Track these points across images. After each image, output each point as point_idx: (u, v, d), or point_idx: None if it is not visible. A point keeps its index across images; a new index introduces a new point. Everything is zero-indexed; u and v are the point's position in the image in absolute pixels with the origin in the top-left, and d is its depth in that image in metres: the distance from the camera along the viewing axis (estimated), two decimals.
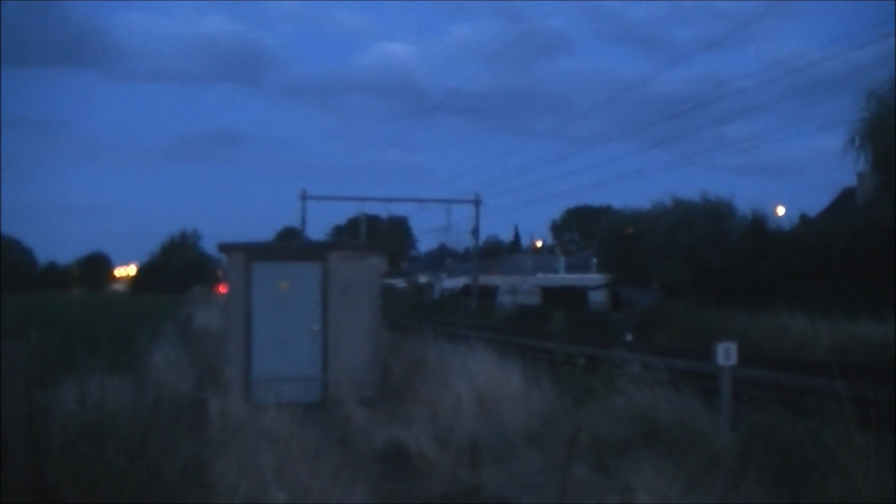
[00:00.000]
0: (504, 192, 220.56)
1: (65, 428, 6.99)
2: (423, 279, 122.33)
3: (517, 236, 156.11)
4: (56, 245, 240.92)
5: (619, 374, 12.63)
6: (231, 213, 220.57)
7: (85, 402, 7.46)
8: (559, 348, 14.74)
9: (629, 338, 32.22)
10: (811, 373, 19.92)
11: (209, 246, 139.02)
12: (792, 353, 28.28)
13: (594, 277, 76.47)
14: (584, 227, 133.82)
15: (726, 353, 12.20)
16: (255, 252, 17.83)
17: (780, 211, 56.71)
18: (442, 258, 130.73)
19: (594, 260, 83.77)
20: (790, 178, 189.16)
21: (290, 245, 26.06)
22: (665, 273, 49.98)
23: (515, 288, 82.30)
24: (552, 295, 72.02)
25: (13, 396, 6.59)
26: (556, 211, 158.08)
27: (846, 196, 56.55)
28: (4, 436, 6.46)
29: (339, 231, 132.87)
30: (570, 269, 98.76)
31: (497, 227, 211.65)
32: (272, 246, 24.39)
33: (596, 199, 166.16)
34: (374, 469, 10.39)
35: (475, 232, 77.98)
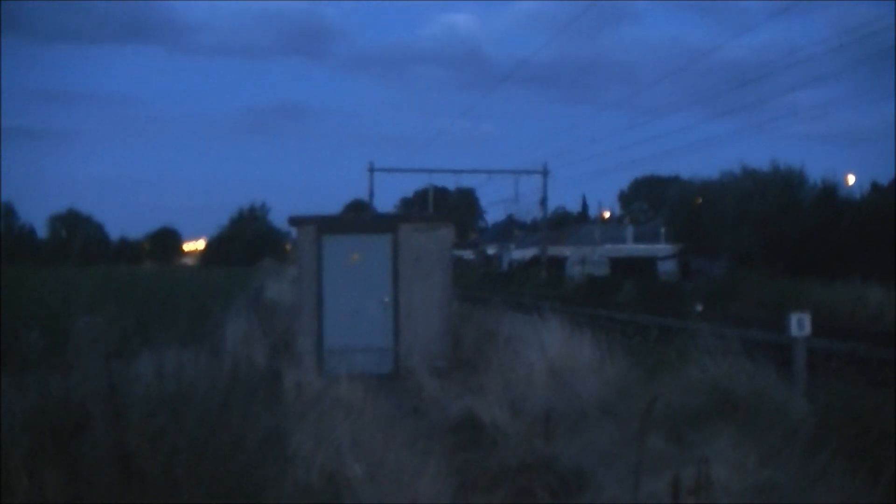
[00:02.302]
0: (572, 163, 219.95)
1: (144, 399, 7.09)
2: (491, 250, 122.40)
3: (585, 206, 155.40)
4: (126, 219, 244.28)
5: (692, 345, 12.52)
6: (298, 186, 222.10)
7: (163, 373, 7.56)
8: (633, 319, 14.67)
9: (699, 308, 31.97)
10: (888, 344, 19.64)
11: (277, 219, 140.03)
12: (867, 323, 27.87)
13: (663, 248, 76.17)
14: (652, 197, 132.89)
15: (800, 324, 12.09)
16: (326, 225, 17.94)
17: (851, 179, 55.91)
18: (510, 229, 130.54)
19: (662, 230, 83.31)
20: (861, 146, 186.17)
21: (361, 217, 26.22)
22: (737, 243, 49.48)
23: (584, 258, 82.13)
24: (621, 265, 71.82)
25: (94, 368, 6.69)
26: (624, 181, 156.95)
27: None
28: (86, 407, 6.57)
29: (407, 203, 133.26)
30: (638, 239, 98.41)
31: (565, 198, 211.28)
32: (343, 218, 24.51)
33: (664, 169, 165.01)
34: (449, 439, 10.39)
35: (543, 202, 77.78)
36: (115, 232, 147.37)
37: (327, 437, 8.51)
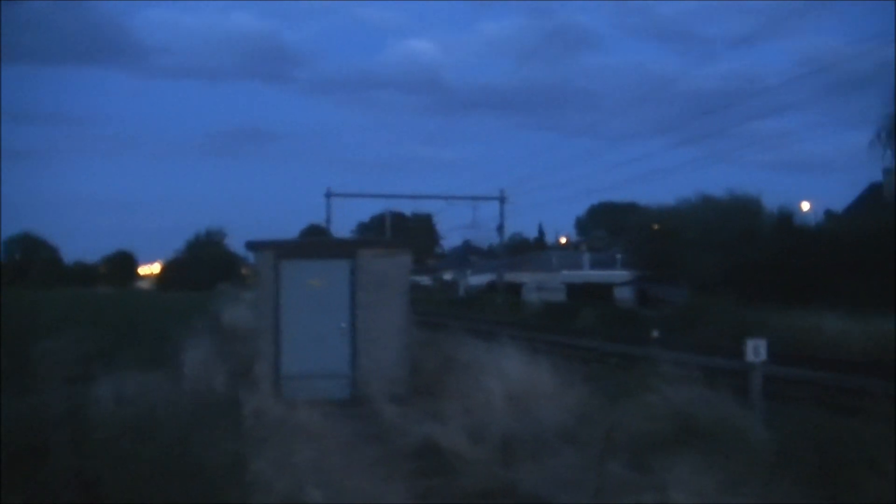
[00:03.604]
0: (533, 190, 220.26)
1: (106, 424, 7.00)
2: (448, 276, 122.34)
3: (541, 233, 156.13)
4: (81, 241, 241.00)
5: (652, 371, 12.55)
6: (256, 210, 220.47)
7: (123, 398, 7.49)
8: (592, 345, 14.68)
9: (655, 334, 32.07)
10: (847, 371, 19.77)
11: (234, 243, 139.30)
12: (827, 350, 28.04)
13: (620, 274, 76.36)
14: (608, 224, 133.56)
15: (756, 350, 12.14)
16: (284, 250, 17.86)
17: (805, 207, 56.43)
18: (467, 255, 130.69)
19: (619, 256, 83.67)
20: (818, 175, 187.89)
21: (320, 242, 26.13)
22: (698, 269, 49.57)
23: (541, 285, 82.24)
24: (578, 291, 71.98)
25: (53, 393, 6.61)
26: (581, 208, 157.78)
27: (873, 191, 56.22)
28: (47, 432, 6.48)
29: (364, 228, 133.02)
30: (595, 265, 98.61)
31: (522, 225, 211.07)
32: (301, 243, 24.41)
33: (621, 195, 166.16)
34: (409, 466, 10.35)
35: (500, 229, 78.07)
36: (70, 254, 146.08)
37: (287, 463, 8.44)
